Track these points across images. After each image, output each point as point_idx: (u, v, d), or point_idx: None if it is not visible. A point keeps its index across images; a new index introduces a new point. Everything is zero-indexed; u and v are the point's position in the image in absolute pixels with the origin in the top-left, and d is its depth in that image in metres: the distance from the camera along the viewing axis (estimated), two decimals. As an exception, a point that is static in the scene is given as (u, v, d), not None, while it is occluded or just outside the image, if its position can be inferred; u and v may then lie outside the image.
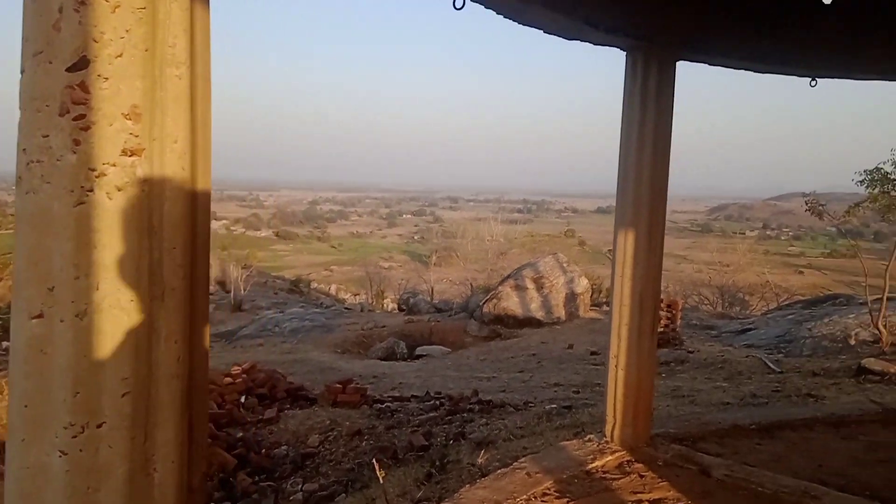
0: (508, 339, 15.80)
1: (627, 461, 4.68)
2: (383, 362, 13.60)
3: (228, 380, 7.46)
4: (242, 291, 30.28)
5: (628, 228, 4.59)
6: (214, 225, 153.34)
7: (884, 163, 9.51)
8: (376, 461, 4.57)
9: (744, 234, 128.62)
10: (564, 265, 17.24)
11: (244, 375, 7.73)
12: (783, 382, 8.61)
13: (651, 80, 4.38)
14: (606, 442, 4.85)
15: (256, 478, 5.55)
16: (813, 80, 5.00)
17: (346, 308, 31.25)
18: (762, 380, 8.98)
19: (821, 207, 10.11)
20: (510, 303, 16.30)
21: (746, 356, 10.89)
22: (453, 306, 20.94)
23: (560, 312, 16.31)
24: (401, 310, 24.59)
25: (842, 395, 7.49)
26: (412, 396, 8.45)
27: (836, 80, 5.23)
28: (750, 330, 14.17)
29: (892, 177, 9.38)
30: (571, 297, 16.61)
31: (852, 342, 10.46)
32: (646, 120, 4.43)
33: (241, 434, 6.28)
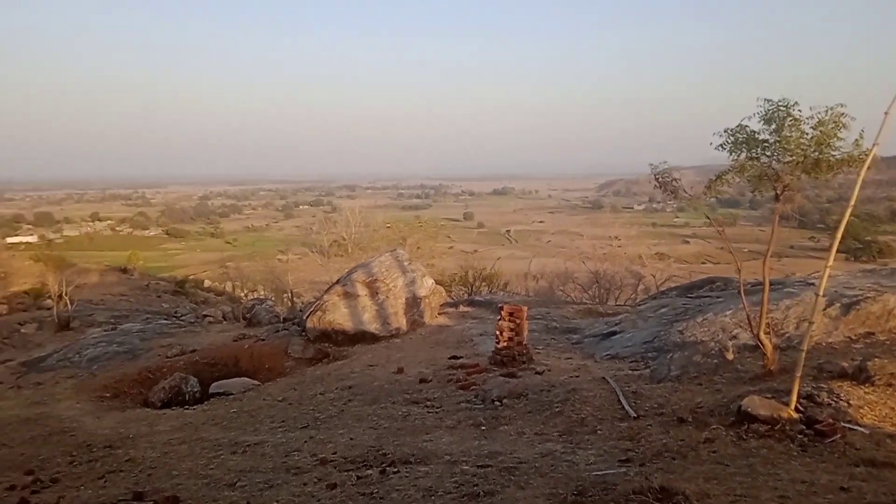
0: (338, 359, 12.84)
1: None
2: (155, 412, 10.34)
3: None
4: (69, 307, 25.90)
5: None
6: (98, 226, 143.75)
7: (749, 118, 6.81)
8: None
9: (631, 208, 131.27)
10: (405, 263, 14.38)
11: None
12: (637, 440, 6.03)
13: None
14: None
15: None
16: None
17: (205, 316, 27.60)
18: (610, 433, 6.39)
19: (675, 183, 7.48)
20: (337, 315, 13.31)
21: (602, 381, 8.32)
22: (294, 316, 17.74)
23: (399, 322, 13.48)
24: (244, 319, 21.23)
25: (718, 468, 4.95)
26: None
27: None
28: (615, 334, 11.78)
29: (761, 136, 6.79)
30: (413, 302, 13.81)
31: (730, 356, 8.06)
32: None
33: None
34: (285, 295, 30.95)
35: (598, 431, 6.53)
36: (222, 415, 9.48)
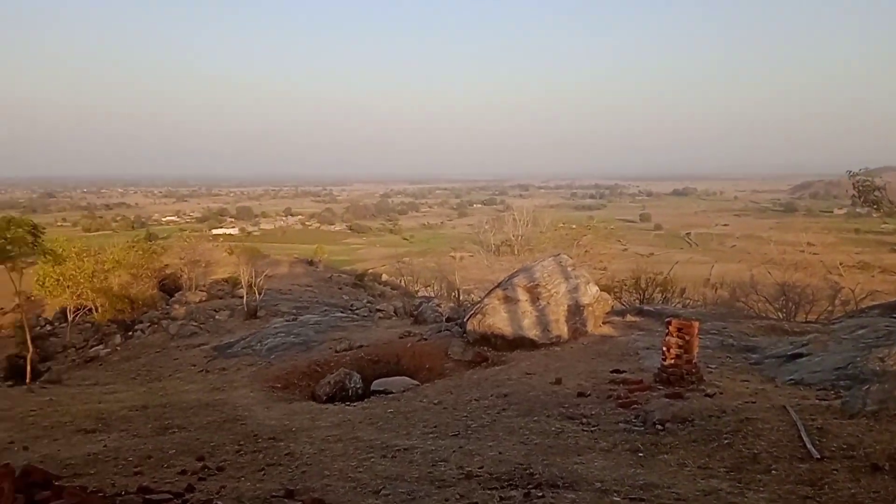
0: (496, 364, 12.67)
1: None
2: (319, 406, 10.77)
3: None
4: (257, 297, 28.00)
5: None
6: (290, 221, 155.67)
7: None
8: None
9: (830, 212, 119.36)
10: (569, 269, 13.88)
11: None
12: (819, 486, 5.25)
13: None
14: None
15: None
16: None
17: (378, 310, 28.80)
18: (787, 475, 5.63)
19: (878, 193, 6.50)
20: (497, 319, 13.13)
21: (781, 411, 7.41)
22: (457, 316, 17.86)
23: (560, 330, 13.04)
24: (412, 316, 21.79)
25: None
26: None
27: None
28: (801, 356, 10.56)
29: None
30: (576, 310, 13.29)
31: (943, 393, 6.85)
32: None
33: None
34: (454, 293, 31.39)
35: (773, 471, 5.78)
36: (379, 414, 9.64)
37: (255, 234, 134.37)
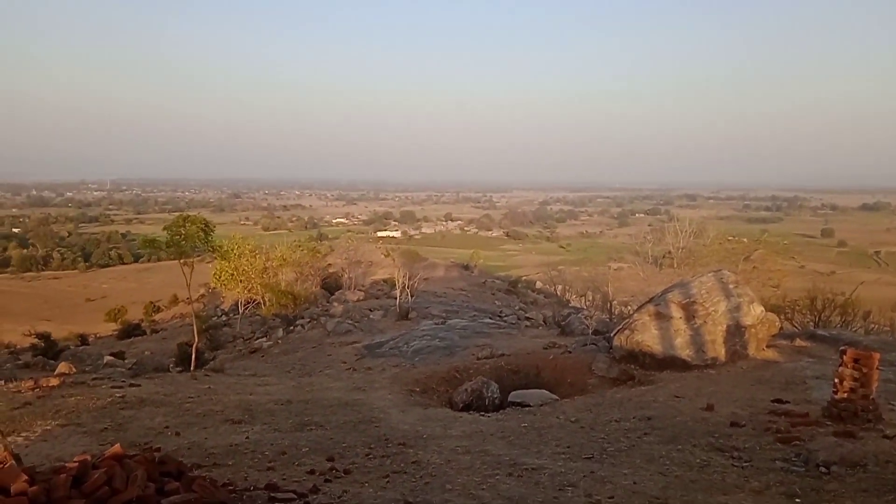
0: (643, 384, 11.90)
1: None
2: (453, 413, 10.64)
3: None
4: (410, 299, 28.61)
5: None
6: (449, 226, 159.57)
7: None
8: None
9: None
10: (730, 286, 12.76)
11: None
12: None
13: None
14: None
15: None
16: None
17: (527, 318, 28.54)
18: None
19: None
20: (647, 336, 12.32)
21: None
22: (605, 330, 17.10)
23: (717, 351, 12.00)
24: (559, 327, 21.22)
25: None
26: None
27: None
28: None
29: None
30: (736, 331, 12.18)
31: None
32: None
33: None
34: (607, 305, 30.32)
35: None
36: (512, 428, 9.31)
37: (417, 237, 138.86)
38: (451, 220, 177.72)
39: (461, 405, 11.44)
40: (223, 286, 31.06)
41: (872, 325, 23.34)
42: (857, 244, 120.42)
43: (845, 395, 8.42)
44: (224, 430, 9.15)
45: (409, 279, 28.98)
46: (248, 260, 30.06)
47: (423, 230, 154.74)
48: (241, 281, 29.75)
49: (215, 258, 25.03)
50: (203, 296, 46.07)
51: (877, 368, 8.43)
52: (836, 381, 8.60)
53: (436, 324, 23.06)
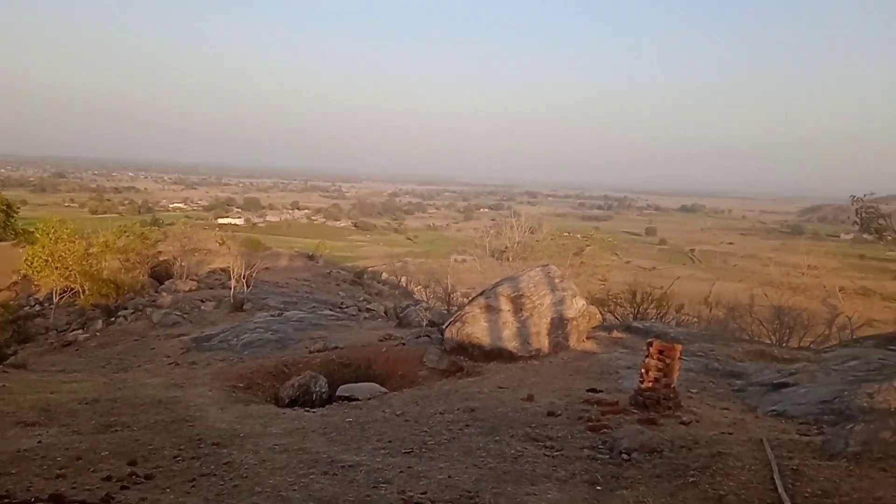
0: (471, 375, 12.12)
1: None
2: (276, 410, 10.24)
3: None
4: (246, 290, 27.46)
5: None
6: (296, 214, 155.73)
7: None
8: None
9: (837, 237, 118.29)
10: (556, 281, 13.32)
11: None
12: (783, 540, 4.70)
13: None
14: None
15: None
16: None
17: (367, 310, 28.25)
18: (751, 525, 5.06)
19: (882, 222, 5.96)
20: (476, 328, 12.58)
21: (758, 445, 6.85)
22: (439, 322, 17.29)
23: (541, 343, 12.48)
24: (398, 319, 21.22)
25: None
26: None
27: None
28: (787, 385, 9.98)
29: None
30: (559, 323, 12.74)
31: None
32: None
33: None
34: (446, 297, 30.81)
35: (737, 518, 5.24)
36: (335, 423, 9.10)
37: (261, 225, 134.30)
38: (299, 209, 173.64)
39: (287, 401, 11.08)
40: (36, 273, 28.20)
41: (683, 317, 25.38)
42: (676, 242, 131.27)
43: (650, 384, 8.99)
44: (14, 433, 8.20)
45: (247, 268, 27.85)
46: (65, 245, 27.50)
47: (269, 218, 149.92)
48: (56, 268, 27.15)
49: (26, 243, 22.63)
50: (16, 283, 41.70)
51: (679, 359, 9.08)
52: (643, 371, 9.18)
53: (271, 315, 22.28)
